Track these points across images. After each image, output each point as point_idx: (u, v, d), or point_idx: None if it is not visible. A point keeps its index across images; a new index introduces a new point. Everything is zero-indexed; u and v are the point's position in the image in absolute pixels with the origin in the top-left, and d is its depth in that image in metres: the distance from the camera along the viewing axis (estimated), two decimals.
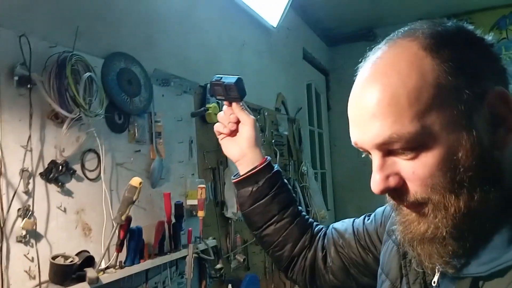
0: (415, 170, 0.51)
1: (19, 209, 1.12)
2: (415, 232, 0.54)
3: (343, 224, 0.91)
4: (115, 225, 1.34)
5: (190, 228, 1.75)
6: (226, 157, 2.16)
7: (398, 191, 0.53)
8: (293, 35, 3.50)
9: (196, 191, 1.79)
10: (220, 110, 0.96)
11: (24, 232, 1.12)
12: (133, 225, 1.43)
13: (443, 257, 0.53)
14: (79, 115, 1.24)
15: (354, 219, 0.90)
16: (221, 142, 0.94)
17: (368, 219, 0.87)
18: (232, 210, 2.11)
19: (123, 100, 1.50)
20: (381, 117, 0.51)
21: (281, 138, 3.02)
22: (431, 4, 3.73)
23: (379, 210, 0.85)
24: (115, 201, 1.43)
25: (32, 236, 1.15)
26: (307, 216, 0.96)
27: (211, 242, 1.90)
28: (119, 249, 1.37)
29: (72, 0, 1.37)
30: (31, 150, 1.16)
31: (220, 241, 2.10)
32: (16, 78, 1.12)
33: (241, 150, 0.90)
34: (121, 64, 1.52)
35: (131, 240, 1.42)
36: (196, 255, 1.73)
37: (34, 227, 1.15)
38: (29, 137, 1.15)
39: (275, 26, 2.92)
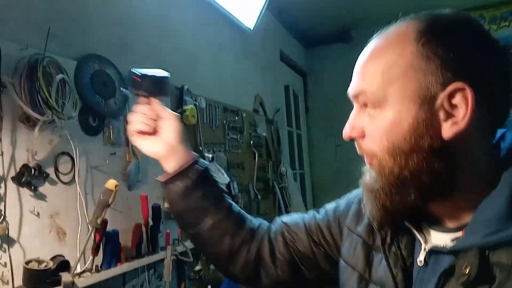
0: (371, 128, 0.61)
1: None
2: (364, 182, 0.65)
3: (293, 219, 0.90)
4: (90, 228, 1.32)
5: (168, 231, 1.74)
6: (204, 159, 2.16)
7: (361, 143, 0.64)
8: (270, 37, 3.53)
9: None
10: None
11: None
12: (109, 228, 1.42)
13: (374, 206, 0.63)
14: (51, 118, 1.22)
15: (304, 214, 0.90)
16: (138, 141, 0.86)
17: (319, 214, 0.88)
18: None
19: (97, 102, 1.49)
20: (361, 76, 0.62)
21: (259, 139, 3.04)
22: (406, 6, 3.80)
23: (330, 207, 0.87)
24: (91, 205, 1.42)
25: (4, 241, 1.13)
26: (240, 209, 0.92)
27: (190, 244, 1.89)
28: (95, 252, 1.36)
29: (44, 1, 1.36)
30: (2, 154, 1.14)
31: None
32: None
33: (170, 146, 0.85)
34: (95, 66, 1.51)
35: (107, 244, 1.41)
36: (174, 257, 1.72)
37: (6, 232, 1.13)
38: (0, 140, 1.13)
39: (251, 28, 2.93)
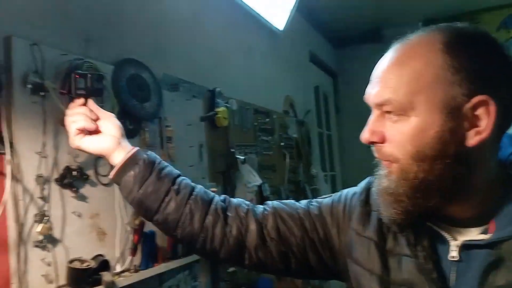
0: (394, 133, 0.64)
1: (35, 215, 1.14)
2: (381, 186, 0.67)
3: (285, 205, 0.88)
4: (128, 229, 1.35)
5: None
6: (236, 161, 2.17)
7: (380, 147, 0.66)
8: (299, 37, 3.51)
9: None
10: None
11: (41, 237, 1.14)
12: (146, 229, 1.44)
13: (395, 209, 0.65)
14: None
15: (296, 203, 0.89)
16: (82, 141, 0.87)
17: (312, 206, 0.86)
18: None
19: (133, 106, 1.52)
20: (383, 83, 0.64)
21: (290, 141, 3.03)
22: (437, 4, 3.72)
23: (325, 202, 0.86)
24: (129, 206, 1.44)
25: (48, 241, 1.17)
26: (203, 188, 0.90)
27: None
28: (133, 253, 1.39)
29: (82, 8, 1.40)
30: (46, 157, 1.18)
31: None
32: (29, 86, 1.14)
33: (116, 140, 0.87)
34: (131, 70, 1.54)
35: (144, 244, 1.44)
36: None
37: (51, 232, 1.17)
38: (44, 143, 1.17)
39: (281, 29, 2.93)
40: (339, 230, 0.82)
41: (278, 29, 2.93)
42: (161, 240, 1.56)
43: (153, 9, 1.76)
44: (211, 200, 0.87)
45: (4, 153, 1.05)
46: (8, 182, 1.07)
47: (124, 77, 1.50)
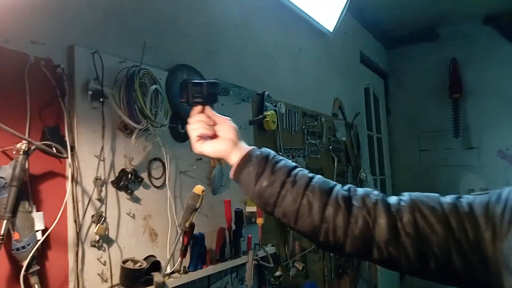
0: None
1: (93, 216, 1.20)
2: None
3: (426, 199, 0.78)
4: (179, 231, 1.39)
5: (250, 235, 1.77)
6: None
7: None
8: (350, 38, 3.44)
9: None
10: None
11: (97, 237, 1.19)
12: (196, 231, 1.47)
13: None
14: (146, 126, 1.30)
15: (440, 198, 0.78)
16: (202, 146, 0.92)
17: (460, 204, 0.76)
18: None
19: (186, 110, 1.55)
20: None
21: (338, 144, 2.98)
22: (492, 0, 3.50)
23: (478, 201, 0.75)
24: (179, 208, 1.48)
25: (104, 241, 1.22)
26: (323, 177, 0.86)
27: (270, 249, 1.91)
28: (183, 254, 1.42)
29: (138, 17, 1.45)
30: (103, 160, 1.24)
31: (279, 248, 2.10)
32: (90, 92, 1.20)
33: (232, 142, 0.91)
34: (183, 76, 1.58)
35: (194, 246, 1.46)
36: (255, 262, 1.74)
37: (107, 233, 1.22)
38: (102, 147, 1.23)
39: (331, 30, 2.89)
40: (495, 234, 0.71)
41: (328, 31, 2.89)
42: (210, 242, 1.58)
43: (204, 15, 1.79)
44: (331, 190, 0.83)
45: (66, 157, 1.11)
46: (68, 184, 1.13)
47: (177, 82, 1.54)
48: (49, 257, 1.09)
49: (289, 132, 2.37)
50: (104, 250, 1.22)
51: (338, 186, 0.85)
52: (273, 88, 2.20)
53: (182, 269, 1.43)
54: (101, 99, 1.22)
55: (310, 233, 0.83)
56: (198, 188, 1.36)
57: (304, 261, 2.32)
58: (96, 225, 1.19)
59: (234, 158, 0.90)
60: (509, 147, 3.76)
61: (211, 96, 0.93)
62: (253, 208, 1.82)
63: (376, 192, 0.83)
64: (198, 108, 0.93)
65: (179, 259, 1.42)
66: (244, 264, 1.71)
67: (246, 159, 0.88)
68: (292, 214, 0.83)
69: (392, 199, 0.81)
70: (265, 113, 2.05)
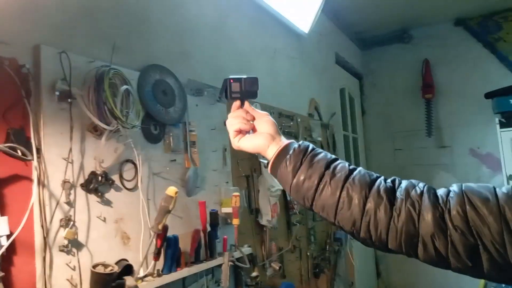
0: None
1: (61, 220, 1.16)
2: None
3: (479, 190, 0.73)
4: (152, 234, 1.36)
5: (225, 236, 1.76)
6: (260, 165, 2.17)
7: None
8: (325, 40, 3.47)
9: (230, 199, 1.80)
10: None
11: (66, 242, 1.16)
12: (169, 233, 1.45)
13: None
14: (117, 127, 1.28)
15: (495, 189, 0.72)
16: (242, 141, 0.92)
17: None
18: (266, 217, 2.10)
19: (158, 111, 1.53)
20: None
21: (315, 144, 2.99)
22: (468, 2, 3.60)
23: None
24: (152, 210, 1.46)
25: (73, 245, 1.19)
26: (364, 169, 0.83)
27: (246, 250, 1.90)
28: (156, 257, 1.39)
29: (109, 16, 1.42)
30: (72, 162, 1.21)
31: (256, 249, 2.09)
32: (57, 93, 1.17)
33: (270, 136, 0.90)
34: (156, 76, 1.55)
35: (168, 249, 1.44)
36: (231, 263, 1.73)
37: (76, 237, 1.19)
38: (70, 149, 1.20)
39: (306, 32, 2.91)
40: None
41: (304, 32, 2.90)
42: (185, 244, 1.56)
43: (178, 15, 1.77)
44: (373, 182, 0.80)
45: (31, 160, 1.08)
46: (34, 187, 1.09)
47: (149, 83, 1.52)
48: (15, 263, 1.05)
49: None
50: (74, 255, 1.19)
51: (382, 178, 0.82)
52: None
53: (155, 272, 1.41)
54: (69, 100, 1.19)
55: (350, 228, 0.80)
56: (171, 190, 1.35)
57: (281, 261, 2.33)
58: (65, 230, 1.16)
59: (271, 153, 0.89)
60: (479, 146, 3.87)
61: (249, 91, 0.94)
62: (229, 209, 1.81)
63: (422, 184, 0.79)
64: (237, 103, 0.94)
65: (153, 262, 1.40)
66: (219, 266, 1.70)
67: (283, 153, 0.86)
68: (331, 208, 0.80)
69: (441, 191, 0.77)
70: None
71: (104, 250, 1.28)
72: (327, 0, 2.85)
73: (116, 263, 1.27)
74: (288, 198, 2.45)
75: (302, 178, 0.82)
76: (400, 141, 4.27)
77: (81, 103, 1.22)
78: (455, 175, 3.87)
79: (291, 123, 2.67)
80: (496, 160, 3.63)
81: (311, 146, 0.87)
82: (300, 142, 0.88)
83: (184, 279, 1.54)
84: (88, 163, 1.26)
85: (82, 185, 1.23)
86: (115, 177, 1.35)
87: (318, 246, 2.87)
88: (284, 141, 0.90)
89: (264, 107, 2.32)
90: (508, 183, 3.30)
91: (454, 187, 0.75)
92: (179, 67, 1.70)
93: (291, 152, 0.85)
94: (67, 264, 1.17)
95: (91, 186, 1.24)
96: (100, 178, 1.27)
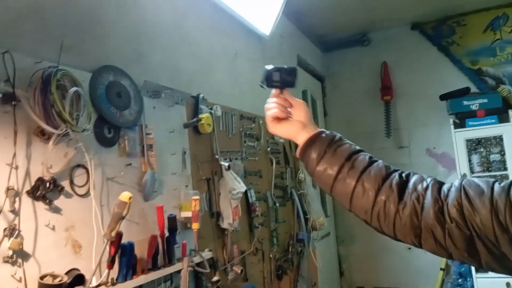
0: None
1: (5, 229, 1.10)
2: None
3: (477, 185, 0.75)
4: (105, 241, 1.31)
5: (184, 241, 1.72)
6: (220, 168, 2.14)
7: None
8: (287, 42, 3.49)
9: (190, 202, 1.77)
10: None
11: (10, 252, 1.09)
12: (125, 239, 1.40)
13: None
14: (65, 130, 1.22)
15: (493, 184, 0.74)
16: (277, 126, 1.00)
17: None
18: (228, 220, 2.08)
19: (112, 114, 1.48)
20: None
21: (277, 146, 3.01)
22: (423, 7, 3.73)
23: None
24: (106, 217, 1.41)
25: (19, 255, 1.13)
26: (383, 162, 0.90)
27: (206, 254, 1.87)
28: (110, 265, 1.34)
29: (58, 14, 1.36)
30: (16, 168, 1.14)
31: (217, 252, 2.07)
32: None
33: (302, 124, 0.98)
34: (109, 78, 1.50)
35: (122, 256, 1.39)
36: (191, 268, 1.70)
37: (21, 247, 1.12)
38: (14, 154, 1.13)
39: (267, 34, 2.91)
40: None
41: (265, 34, 2.90)
42: (142, 251, 1.52)
43: (133, 15, 1.73)
44: (388, 175, 0.85)
45: None
46: None
47: (102, 84, 1.47)
48: None
49: (226, 135, 2.35)
50: (19, 266, 1.13)
51: (398, 172, 0.87)
52: (209, 90, 2.17)
53: (109, 281, 1.35)
54: (13, 103, 1.13)
55: (363, 217, 0.87)
56: (125, 195, 1.30)
57: (243, 264, 2.31)
58: (9, 239, 1.10)
59: (300, 140, 0.97)
60: (435, 146, 4.00)
61: (288, 80, 1.01)
62: (188, 213, 1.78)
63: (430, 178, 0.84)
64: (276, 91, 1.02)
65: (106, 270, 1.35)
66: (179, 272, 1.66)
67: (310, 141, 0.94)
68: (346, 197, 0.87)
69: (446, 185, 0.81)
70: (200, 116, 2.01)
71: (53, 260, 1.22)
72: (288, 2, 2.86)
73: (66, 273, 1.22)
74: (250, 200, 2.44)
75: (324, 166, 0.90)
76: (362, 142, 4.27)
77: (26, 105, 1.16)
78: None
79: (253, 124, 2.67)
80: (451, 159, 3.77)
81: (337, 136, 0.95)
82: (328, 132, 0.96)
83: (141, 286, 1.49)
84: (35, 169, 1.20)
85: (28, 192, 1.17)
86: (65, 183, 1.29)
87: (281, 248, 2.88)
88: (314, 129, 0.97)
89: (224, 109, 2.31)
90: None
91: (456, 182, 0.80)
92: (135, 68, 1.65)
93: (318, 141, 0.93)
94: (12, 276, 1.10)
95: (38, 193, 1.18)
96: (48, 184, 1.20)
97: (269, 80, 1.02)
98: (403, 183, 0.83)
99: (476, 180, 0.78)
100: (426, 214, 0.77)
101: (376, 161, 0.90)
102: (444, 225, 0.75)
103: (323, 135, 0.95)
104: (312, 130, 0.97)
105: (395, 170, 0.88)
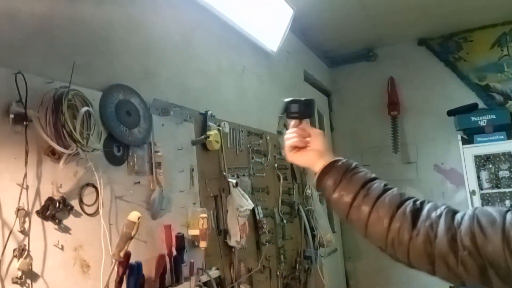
0: None
1: (14, 250, 1.09)
2: None
3: (489, 214, 0.76)
4: (113, 261, 1.31)
5: (192, 260, 1.71)
6: (228, 184, 2.13)
7: None
8: (293, 58, 3.51)
9: (197, 220, 1.76)
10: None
11: (19, 273, 1.09)
12: (133, 258, 1.40)
13: None
14: (76, 150, 1.22)
15: (506, 213, 0.75)
16: (295, 155, 1.04)
17: None
18: (235, 238, 2.07)
19: (121, 132, 1.49)
20: None
21: (284, 162, 2.99)
22: (429, 23, 3.74)
23: None
24: (115, 236, 1.40)
25: (28, 276, 1.12)
26: (397, 190, 0.92)
27: (214, 273, 1.86)
28: (118, 286, 1.33)
29: (68, 35, 1.38)
30: (27, 188, 1.14)
31: (224, 270, 2.05)
32: (11, 115, 1.11)
33: (319, 153, 1.01)
34: (119, 96, 1.51)
35: (130, 276, 1.38)
36: (198, 287, 1.68)
37: (30, 267, 1.12)
38: (25, 174, 1.13)
39: (275, 50, 2.93)
40: None
41: (272, 50, 2.92)
42: (149, 270, 1.51)
43: (142, 34, 1.74)
44: (402, 202, 0.87)
45: None
46: None
47: (112, 103, 1.48)
48: None
49: (233, 151, 2.35)
50: (28, 287, 1.12)
51: (412, 199, 0.88)
52: (217, 107, 2.18)
53: None
54: (25, 123, 1.14)
55: (378, 244, 0.88)
56: (134, 215, 1.30)
57: (251, 282, 2.28)
58: (19, 260, 1.09)
59: (317, 168, 1.00)
60: (443, 162, 3.97)
61: (305, 112, 1.06)
62: (196, 231, 1.77)
63: (444, 206, 0.85)
64: (295, 122, 1.05)
65: None
66: None
67: (327, 169, 0.97)
68: (362, 224, 0.89)
69: (459, 213, 0.82)
70: (208, 132, 2.02)
71: (61, 280, 1.21)
72: (295, 18, 2.88)
73: None
74: (258, 217, 2.42)
75: (340, 193, 0.92)
76: (368, 157, 4.33)
77: (38, 125, 1.16)
78: (420, 190, 3.94)
79: (260, 141, 2.67)
80: (459, 175, 3.74)
81: (353, 164, 0.97)
82: (344, 160, 0.99)
83: None
84: (45, 189, 1.20)
85: (37, 212, 1.16)
86: (75, 202, 1.29)
87: (288, 265, 2.85)
88: (331, 158, 1.00)
89: (232, 125, 2.31)
90: (471, 198, 3.41)
91: (470, 210, 0.80)
92: (144, 86, 1.66)
93: (334, 169, 0.96)
94: None
95: (48, 213, 1.18)
96: (57, 204, 1.20)
97: (288, 112, 1.06)
98: (417, 210, 0.84)
99: (489, 208, 0.79)
100: (440, 242, 0.78)
101: (391, 188, 0.91)
102: (457, 253, 0.76)
103: (340, 163, 0.97)
104: (329, 158, 1.00)
105: (409, 198, 0.89)
